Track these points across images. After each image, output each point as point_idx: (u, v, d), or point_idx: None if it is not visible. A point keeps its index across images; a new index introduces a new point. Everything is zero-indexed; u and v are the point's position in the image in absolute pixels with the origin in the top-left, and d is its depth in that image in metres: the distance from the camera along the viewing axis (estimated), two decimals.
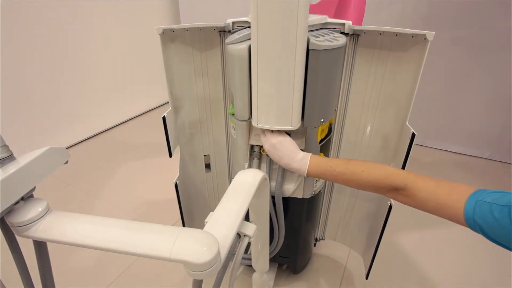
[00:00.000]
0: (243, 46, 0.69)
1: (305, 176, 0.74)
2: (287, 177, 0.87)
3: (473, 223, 0.50)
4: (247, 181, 0.68)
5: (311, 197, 0.92)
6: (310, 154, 0.74)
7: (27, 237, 0.51)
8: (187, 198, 1.12)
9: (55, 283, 0.62)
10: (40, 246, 0.57)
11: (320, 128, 0.78)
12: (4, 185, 0.46)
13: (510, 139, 1.89)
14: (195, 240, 0.46)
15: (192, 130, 1.03)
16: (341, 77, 0.86)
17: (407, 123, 0.80)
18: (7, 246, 0.56)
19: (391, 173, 0.64)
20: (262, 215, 0.81)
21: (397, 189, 0.62)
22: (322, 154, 0.89)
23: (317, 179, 0.90)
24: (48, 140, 2.03)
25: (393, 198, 0.65)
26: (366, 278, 1.06)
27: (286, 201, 0.91)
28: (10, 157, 0.51)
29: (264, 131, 0.77)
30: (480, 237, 0.50)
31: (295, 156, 0.73)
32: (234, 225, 0.54)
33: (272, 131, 0.76)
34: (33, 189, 0.53)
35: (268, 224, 0.84)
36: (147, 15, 2.51)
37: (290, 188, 0.87)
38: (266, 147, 0.77)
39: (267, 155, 0.85)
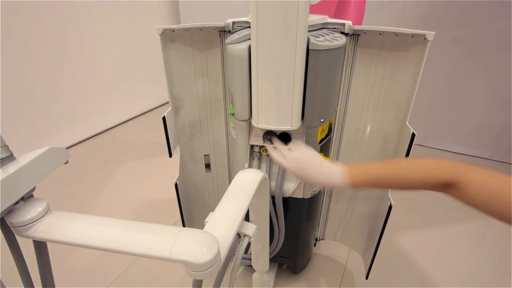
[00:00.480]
0: (243, 46, 0.69)
1: (348, 190, 0.64)
2: (287, 177, 0.87)
3: None
4: (247, 181, 0.68)
5: (311, 197, 0.92)
6: (341, 164, 0.63)
7: (27, 237, 0.51)
8: (187, 198, 1.12)
9: (55, 283, 0.62)
10: (40, 246, 0.57)
11: (320, 128, 0.78)
12: (4, 185, 0.46)
13: (510, 139, 1.89)
14: (195, 240, 0.46)
15: (192, 130, 1.03)
16: (341, 77, 0.86)
17: (407, 123, 0.80)
18: (7, 246, 0.56)
19: (439, 167, 0.56)
20: (262, 215, 0.81)
21: (447, 184, 0.55)
22: (323, 154, 0.89)
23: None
24: (48, 140, 2.03)
25: (444, 193, 0.57)
26: (366, 278, 1.06)
27: (286, 201, 0.91)
28: (10, 157, 0.51)
29: (282, 147, 0.69)
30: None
31: (328, 170, 0.62)
32: (234, 225, 0.54)
33: (291, 145, 0.66)
34: (33, 189, 0.53)
35: (268, 224, 0.84)
36: (147, 15, 2.51)
37: (290, 188, 0.87)
38: (292, 165, 0.65)
39: (267, 155, 0.85)
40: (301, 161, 0.64)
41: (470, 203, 0.53)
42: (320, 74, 0.70)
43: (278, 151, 0.68)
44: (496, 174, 0.51)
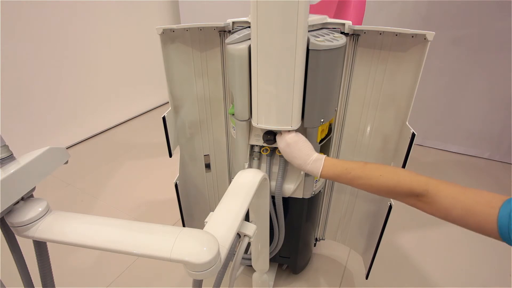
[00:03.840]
0: (243, 46, 0.69)
1: (318, 178, 0.71)
2: (287, 177, 0.87)
3: (509, 232, 0.45)
4: (247, 181, 0.68)
5: (311, 197, 0.92)
6: (325, 156, 0.72)
7: (27, 237, 0.51)
8: (187, 198, 1.12)
9: (55, 283, 0.62)
10: (40, 246, 0.57)
11: (320, 128, 0.78)
12: (4, 185, 0.46)
13: (510, 139, 1.89)
14: (195, 240, 0.46)
15: (192, 130, 1.03)
16: (341, 77, 0.86)
17: (407, 123, 0.80)
18: (7, 246, 0.56)
19: (411, 179, 0.60)
20: (262, 215, 0.81)
21: (417, 195, 0.59)
22: (322, 153, 0.88)
23: (317, 179, 0.90)
24: (48, 140, 2.03)
25: (411, 205, 0.62)
26: (366, 278, 1.06)
27: (286, 201, 0.91)
28: (10, 157, 0.51)
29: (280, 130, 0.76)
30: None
31: (308, 158, 0.71)
32: (234, 225, 0.54)
33: (289, 131, 0.74)
34: (33, 189, 0.53)
35: (268, 224, 0.84)
36: (147, 15, 2.51)
37: (290, 188, 0.87)
38: (281, 145, 0.75)
39: (267, 155, 0.85)
40: (292, 148, 0.73)
41: (444, 216, 0.55)
42: (320, 74, 0.70)
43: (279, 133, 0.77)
44: (467, 189, 0.53)
